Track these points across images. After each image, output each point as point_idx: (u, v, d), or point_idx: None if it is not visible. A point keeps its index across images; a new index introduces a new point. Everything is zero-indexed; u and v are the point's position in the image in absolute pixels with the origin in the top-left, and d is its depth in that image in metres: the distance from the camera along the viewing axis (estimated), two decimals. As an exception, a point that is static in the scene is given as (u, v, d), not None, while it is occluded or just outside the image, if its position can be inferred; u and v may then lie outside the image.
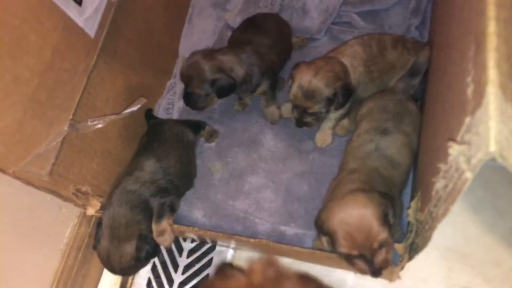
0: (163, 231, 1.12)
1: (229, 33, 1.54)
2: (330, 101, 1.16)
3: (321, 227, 0.95)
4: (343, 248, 0.89)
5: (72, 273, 1.23)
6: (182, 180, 1.26)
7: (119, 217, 1.10)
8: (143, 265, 1.16)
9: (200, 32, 1.59)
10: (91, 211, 1.17)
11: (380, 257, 0.90)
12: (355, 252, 0.89)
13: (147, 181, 1.15)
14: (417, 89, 1.17)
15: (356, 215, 0.89)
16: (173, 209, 1.17)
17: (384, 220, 0.89)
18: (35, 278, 1.17)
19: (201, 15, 1.62)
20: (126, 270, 1.12)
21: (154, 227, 1.12)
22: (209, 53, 1.22)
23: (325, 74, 1.13)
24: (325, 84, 1.13)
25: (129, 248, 1.08)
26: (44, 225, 1.18)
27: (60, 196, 1.09)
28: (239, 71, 1.22)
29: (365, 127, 1.11)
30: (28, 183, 1.00)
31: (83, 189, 1.16)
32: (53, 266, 1.21)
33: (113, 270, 1.10)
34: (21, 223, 1.11)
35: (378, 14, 1.45)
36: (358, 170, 1.02)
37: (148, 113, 1.41)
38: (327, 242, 0.97)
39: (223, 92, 1.22)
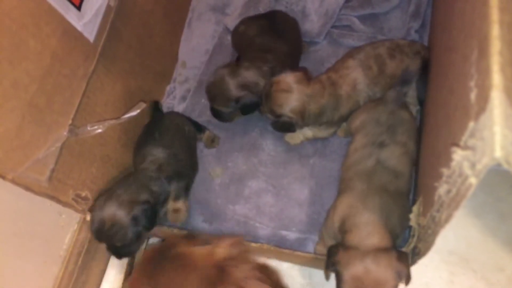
0: (178, 210, 1.19)
1: (229, 37, 1.53)
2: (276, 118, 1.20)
3: (332, 263, 0.95)
4: None
5: (72, 279, 1.22)
6: (190, 169, 1.28)
7: (133, 181, 1.12)
8: (136, 238, 1.08)
9: (199, 36, 1.59)
10: (91, 216, 1.16)
11: None
12: None
13: (164, 163, 1.17)
14: (420, 91, 1.17)
15: (373, 279, 0.89)
16: (188, 189, 1.23)
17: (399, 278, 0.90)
18: (35, 285, 1.16)
19: (200, 19, 1.62)
20: (117, 232, 1.05)
21: (170, 204, 1.18)
22: (233, 70, 1.24)
23: (292, 102, 1.15)
24: (279, 105, 1.16)
25: (129, 206, 1.06)
26: (43, 231, 1.17)
27: (59, 201, 1.08)
28: (263, 84, 1.24)
29: (362, 142, 1.10)
30: (28, 188, 0.99)
31: (83, 194, 1.15)
32: (53, 272, 1.20)
33: (101, 227, 1.05)
34: (21, 229, 1.10)
35: (378, 18, 1.44)
36: (370, 196, 1.00)
37: (155, 105, 1.41)
38: (330, 274, 0.98)
39: (247, 109, 1.26)
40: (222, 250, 0.74)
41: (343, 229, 1.00)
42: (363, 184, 1.02)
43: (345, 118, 1.22)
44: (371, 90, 1.19)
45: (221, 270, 0.71)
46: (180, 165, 1.21)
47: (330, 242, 1.09)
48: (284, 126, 1.21)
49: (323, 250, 1.12)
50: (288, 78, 1.17)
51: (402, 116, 1.11)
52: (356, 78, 1.18)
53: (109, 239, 1.06)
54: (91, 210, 1.09)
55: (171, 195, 1.17)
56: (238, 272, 0.71)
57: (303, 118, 1.18)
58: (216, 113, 1.32)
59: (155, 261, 0.74)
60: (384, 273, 0.89)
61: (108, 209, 1.05)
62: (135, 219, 1.06)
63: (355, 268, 0.91)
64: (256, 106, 1.26)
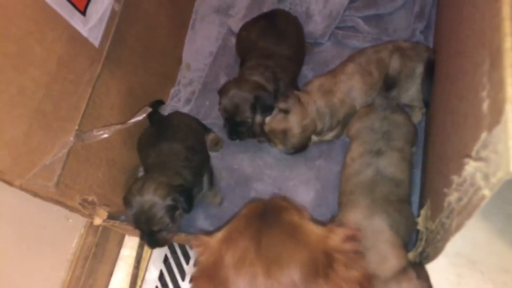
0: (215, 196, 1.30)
1: (232, 39, 1.53)
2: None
3: None
4: None
5: (79, 284, 1.23)
6: (206, 161, 1.30)
7: (166, 168, 1.13)
8: (173, 222, 1.08)
9: (203, 38, 1.58)
10: (98, 220, 1.16)
11: None
12: None
13: (189, 155, 1.18)
14: (425, 93, 1.16)
15: None
16: (213, 181, 1.30)
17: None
18: (42, 288, 1.17)
19: (204, 21, 1.61)
20: (156, 214, 1.04)
21: (210, 197, 1.29)
22: (240, 80, 1.25)
23: (302, 137, 1.20)
24: (292, 143, 1.21)
25: (168, 188, 1.06)
26: (51, 236, 1.17)
27: (66, 206, 1.08)
28: (270, 88, 1.25)
29: (359, 151, 1.10)
30: (35, 194, 0.99)
31: (90, 198, 1.15)
32: (60, 276, 1.20)
33: (140, 209, 1.03)
34: (28, 234, 1.11)
35: (382, 18, 1.44)
36: (375, 211, 0.99)
37: (154, 110, 1.36)
38: None
39: (266, 107, 1.24)
40: (336, 238, 0.67)
41: None
42: (366, 199, 1.01)
43: (343, 121, 1.23)
44: (369, 96, 1.20)
45: (329, 260, 0.64)
46: (199, 158, 1.23)
47: None
48: (300, 150, 1.26)
49: None
50: (290, 122, 1.18)
51: (396, 120, 1.10)
52: (352, 86, 1.19)
53: (148, 223, 1.04)
54: (128, 194, 1.07)
55: (205, 187, 1.23)
56: (345, 273, 0.64)
57: (311, 136, 1.24)
58: (237, 131, 1.28)
59: (262, 217, 0.70)
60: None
61: (147, 191, 1.04)
62: (174, 200, 1.05)
63: None
64: (273, 101, 1.24)
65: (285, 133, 1.20)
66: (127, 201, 1.06)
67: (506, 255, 1.12)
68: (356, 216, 1.01)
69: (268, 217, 0.70)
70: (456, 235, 1.16)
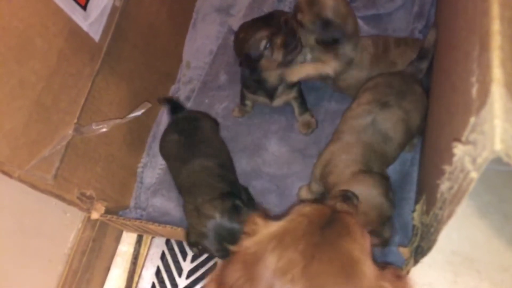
0: None
1: (233, 38, 1.54)
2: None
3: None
4: None
5: (76, 278, 1.23)
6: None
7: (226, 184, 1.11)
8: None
9: (204, 37, 1.60)
10: (95, 215, 1.17)
11: (387, 233, 1.00)
12: (368, 228, 0.91)
13: (218, 174, 1.14)
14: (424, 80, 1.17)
15: (368, 195, 0.94)
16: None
17: (389, 197, 0.97)
18: (39, 283, 1.17)
19: (205, 20, 1.63)
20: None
21: None
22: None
23: (341, 6, 1.14)
24: (330, 7, 1.13)
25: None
26: (48, 229, 1.18)
27: (64, 200, 1.09)
28: None
29: (367, 98, 1.10)
30: (33, 186, 1.00)
31: (88, 193, 1.16)
32: (58, 270, 1.21)
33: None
34: (26, 227, 1.11)
35: (382, 19, 1.45)
36: (354, 147, 1.03)
37: (174, 103, 1.34)
38: None
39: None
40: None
41: (324, 174, 1.04)
42: (352, 139, 1.05)
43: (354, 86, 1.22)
44: (373, 71, 1.20)
45: None
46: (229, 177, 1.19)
47: (316, 187, 1.13)
48: (331, 33, 1.16)
49: (306, 195, 1.17)
50: None
51: (415, 88, 1.10)
52: (368, 44, 1.21)
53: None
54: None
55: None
56: None
57: (347, 30, 1.16)
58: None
59: (323, 231, 0.65)
60: (374, 189, 0.95)
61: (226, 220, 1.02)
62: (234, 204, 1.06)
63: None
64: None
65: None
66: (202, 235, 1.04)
67: (503, 253, 1.11)
68: (335, 147, 1.07)
69: (330, 235, 0.65)
70: (453, 233, 1.16)
